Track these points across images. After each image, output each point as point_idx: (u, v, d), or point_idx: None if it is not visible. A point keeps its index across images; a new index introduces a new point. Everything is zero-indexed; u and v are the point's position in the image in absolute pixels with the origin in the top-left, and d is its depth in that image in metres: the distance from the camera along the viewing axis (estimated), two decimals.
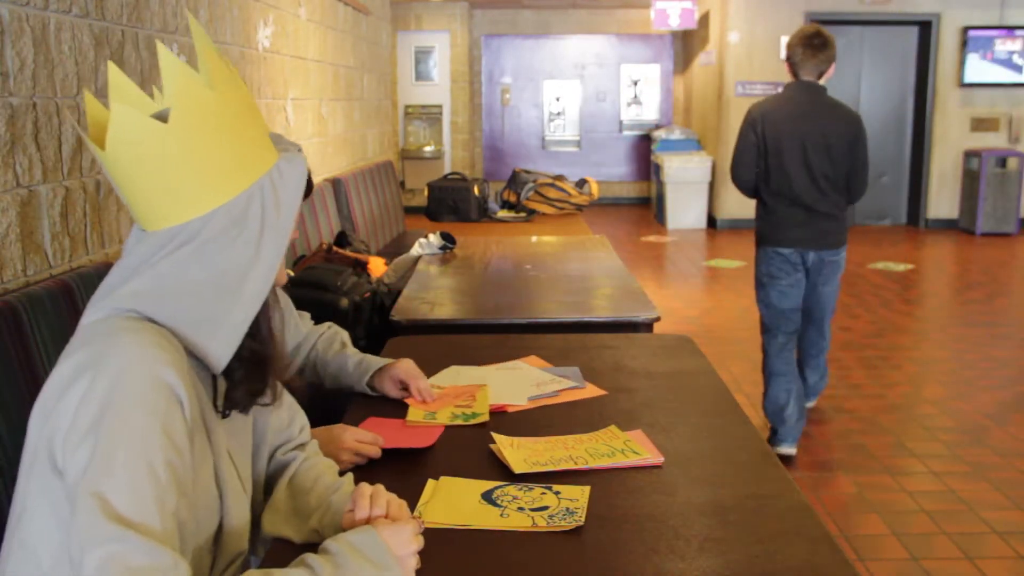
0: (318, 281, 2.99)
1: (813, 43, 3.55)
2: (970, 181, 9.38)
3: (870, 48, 9.79)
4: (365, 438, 1.61)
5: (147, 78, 2.63)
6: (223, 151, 1.08)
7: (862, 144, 3.58)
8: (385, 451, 1.62)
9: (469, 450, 1.65)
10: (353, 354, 1.97)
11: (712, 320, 5.81)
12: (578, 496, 1.43)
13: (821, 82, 3.60)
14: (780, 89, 3.82)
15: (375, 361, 1.94)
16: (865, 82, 9.84)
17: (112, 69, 1.12)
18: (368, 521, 1.23)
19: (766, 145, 3.60)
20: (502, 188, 6.49)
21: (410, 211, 7.87)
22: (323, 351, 1.98)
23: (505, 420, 1.81)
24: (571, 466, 1.55)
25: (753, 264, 3.80)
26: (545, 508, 1.39)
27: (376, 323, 3.13)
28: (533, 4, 11.15)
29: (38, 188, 2.06)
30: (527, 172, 6.44)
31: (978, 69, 9.35)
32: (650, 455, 1.60)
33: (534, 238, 4.55)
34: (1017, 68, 9.34)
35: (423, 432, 1.73)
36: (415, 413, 1.83)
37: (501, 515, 1.38)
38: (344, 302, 2.95)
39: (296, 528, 1.32)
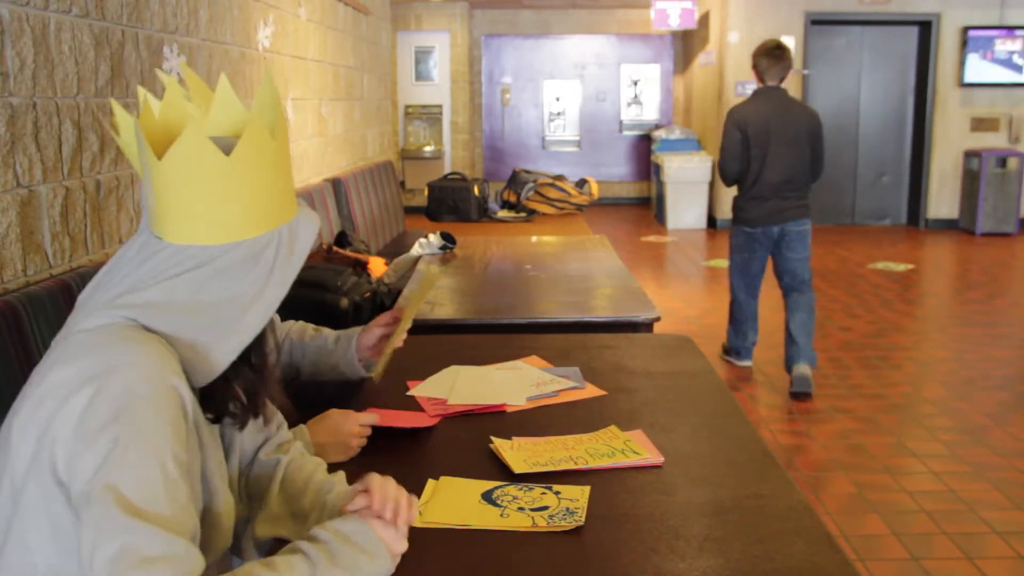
0: (318, 281, 2.99)
1: (775, 53, 4.39)
2: (970, 181, 9.38)
3: (870, 48, 9.79)
4: (367, 420, 1.64)
5: (147, 78, 2.64)
6: (264, 193, 1.16)
7: (821, 134, 4.44)
8: (385, 450, 1.62)
9: (469, 450, 1.65)
10: (330, 333, 1.96)
11: (712, 320, 5.81)
12: (578, 496, 1.43)
13: (783, 85, 4.47)
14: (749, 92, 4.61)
15: (354, 329, 1.94)
16: (865, 82, 9.84)
17: (172, 84, 1.19)
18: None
19: (749, 141, 4.38)
20: (502, 188, 6.50)
21: (410, 211, 7.87)
22: (297, 338, 1.96)
23: (505, 420, 1.81)
24: (571, 466, 1.55)
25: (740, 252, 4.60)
26: (545, 508, 1.39)
27: None
28: (533, 4, 11.15)
29: (38, 188, 2.06)
30: (527, 172, 6.44)
31: (978, 69, 9.35)
32: (650, 455, 1.60)
33: (534, 238, 4.55)
34: (1017, 68, 9.34)
35: (423, 416, 1.76)
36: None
37: (501, 515, 1.38)
38: (344, 302, 2.95)
39: (293, 530, 1.33)
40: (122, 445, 1.01)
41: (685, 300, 6.47)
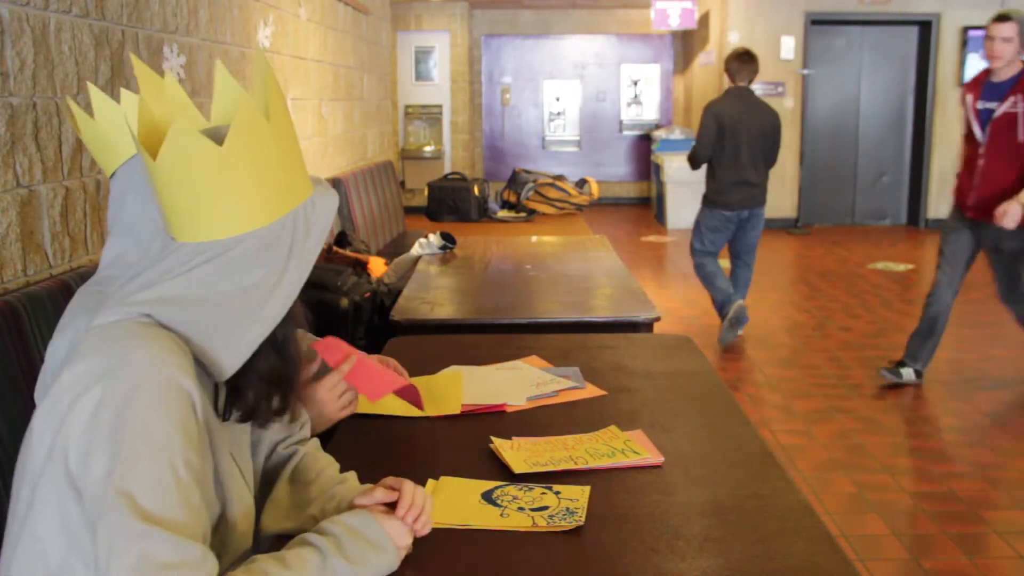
0: (318, 281, 2.99)
1: (744, 58, 5.19)
2: None
3: (870, 48, 9.79)
4: (331, 382, 1.60)
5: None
6: (268, 178, 1.11)
7: (780, 130, 5.25)
8: (385, 450, 1.62)
9: (469, 450, 1.65)
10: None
11: (712, 320, 5.81)
12: (578, 496, 1.43)
13: (751, 86, 5.24)
14: (726, 91, 5.31)
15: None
16: (865, 82, 9.83)
17: (172, 81, 1.18)
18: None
19: (723, 133, 5.08)
20: (502, 188, 6.50)
21: (410, 211, 7.87)
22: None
23: (505, 420, 1.81)
24: (571, 466, 1.55)
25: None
26: (545, 508, 1.39)
27: (376, 323, 3.13)
28: (533, 4, 11.15)
29: (38, 188, 2.06)
30: (527, 172, 6.44)
31: (978, 69, 9.32)
32: (650, 455, 1.60)
33: (534, 238, 4.55)
34: None
35: (390, 377, 1.68)
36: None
37: (501, 515, 1.38)
38: (344, 302, 2.95)
39: (295, 519, 1.34)
40: (131, 449, 1.00)
41: (685, 300, 6.47)
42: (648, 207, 11.46)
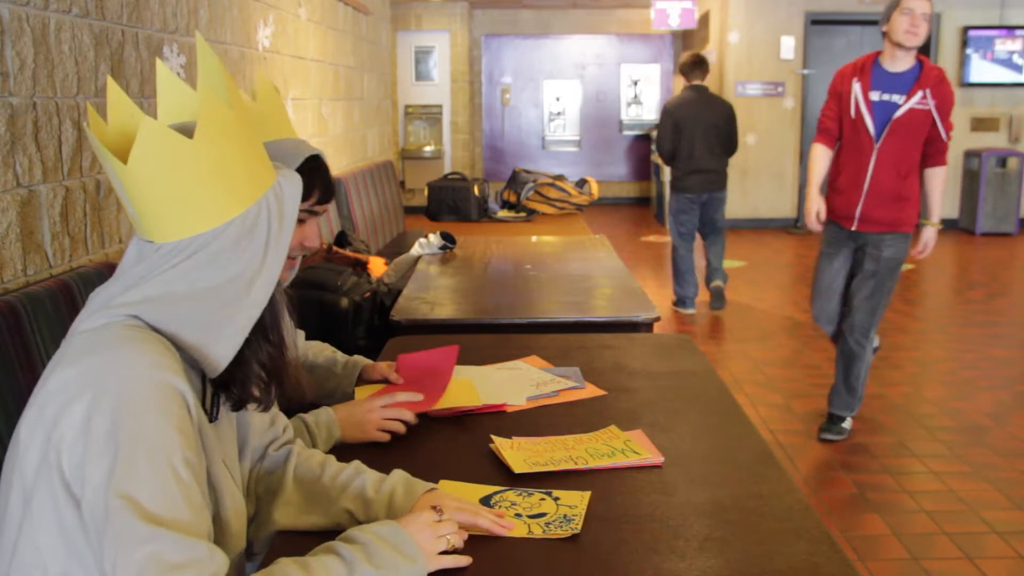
0: (318, 281, 2.99)
1: (695, 61, 5.92)
2: (970, 181, 9.39)
3: (870, 48, 9.75)
4: (393, 415, 1.68)
5: (147, 78, 2.64)
6: (239, 166, 1.12)
7: (734, 121, 5.92)
8: (386, 450, 1.62)
9: (469, 450, 1.65)
10: (340, 357, 1.99)
11: (712, 320, 5.81)
12: (577, 503, 1.42)
13: (705, 83, 5.93)
14: (687, 90, 5.99)
15: (360, 360, 1.98)
16: None
17: (112, 86, 1.15)
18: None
19: (680, 127, 5.83)
20: (502, 188, 6.50)
21: (410, 211, 7.87)
22: (313, 357, 1.98)
23: (504, 420, 1.81)
24: (571, 466, 1.55)
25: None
26: (543, 515, 1.38)
27: (376, 323, 3.13)
28: (533, 4, 11.15)
29: (38, 188, 2.06)
30: (527, 172, 6.44)
31: (978, 69, 9.35)
32: (650, 455, 1.60)
33: (534, 238, 4.55)
34: (1017, 68, 9.34)
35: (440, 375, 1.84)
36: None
37: None
38: (344, 302, 2.95)
39: (323, 512, 1.35)
40: (129, 451, 0.99)
41: None
42: (648, 207, 11.46)
